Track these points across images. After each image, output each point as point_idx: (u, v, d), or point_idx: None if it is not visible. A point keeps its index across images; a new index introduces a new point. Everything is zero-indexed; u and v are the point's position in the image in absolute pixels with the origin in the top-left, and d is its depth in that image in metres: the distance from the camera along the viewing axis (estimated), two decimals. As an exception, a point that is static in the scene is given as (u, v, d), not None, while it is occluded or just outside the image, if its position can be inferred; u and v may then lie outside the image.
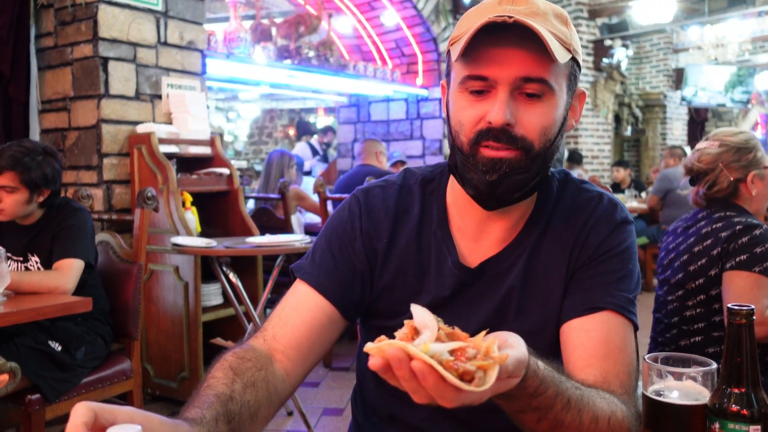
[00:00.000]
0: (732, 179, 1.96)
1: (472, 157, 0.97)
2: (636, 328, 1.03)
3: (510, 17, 0.90)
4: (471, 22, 0.95)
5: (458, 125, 0.99)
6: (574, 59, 0.98)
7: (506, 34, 0.92)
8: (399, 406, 1.11)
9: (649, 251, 6.52)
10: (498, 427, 1.01)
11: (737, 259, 1.82)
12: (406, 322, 0.71)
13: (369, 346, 0.68)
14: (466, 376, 0.63)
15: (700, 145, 2.06)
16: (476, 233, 1.07)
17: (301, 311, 1.05)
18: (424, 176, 1.14)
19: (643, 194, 7.34)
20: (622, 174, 7.96)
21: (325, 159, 7.82)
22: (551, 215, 1.07)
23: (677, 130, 10.66)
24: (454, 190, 1.09)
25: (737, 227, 1.86)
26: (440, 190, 1.12)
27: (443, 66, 5.93)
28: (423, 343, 0.65)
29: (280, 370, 0.99)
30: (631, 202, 6.92)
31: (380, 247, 1.09)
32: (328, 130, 8.30)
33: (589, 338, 0.98)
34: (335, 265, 1.08)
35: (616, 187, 7.80)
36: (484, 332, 0.71)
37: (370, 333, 1.13)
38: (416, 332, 0.69)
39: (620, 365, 0.97)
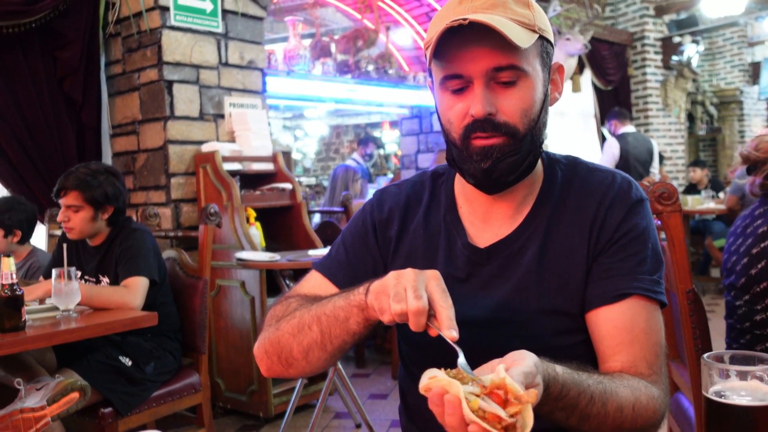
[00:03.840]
0: None
1: (465, 149, 1.04)
2: (663, 305, 1.07)
3: (465, 19, 0.94)
4: (437, 25, 1.01)
5: (448, 123, 1.05)
6: (543, 37, 1.03)
7: (470, 32, 0.97)
8: None
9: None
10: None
11: None
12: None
13: (424, 383, 0.76)
14: (510, 428, 0.72)
15: (761, 131, 1.93)
16: (484, 216, 1.13)
17: (316, 292, 1.16)
18: (435, 171, 1.24)
19: (721, 194, 7.03)
20: (699, 174, 7.63)
21: (366, 173, 7.42)
22: (562, 197, 1.11)
23: (756, 127, 10.18)
24: (460, 179, 1.15)
25: None
26: (449, 180, 1.20)
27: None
28: (473, 399, 0.71)
29: None
30: (708, 203, 6.64)
31: (392, 234, 1.18)
32: (368, 141, 8.02)
33: (616, 327, 1.03)
34: (347, 258, 1.19)
35: (693, 188, 7.49)
36: (498, 363, 0.78)
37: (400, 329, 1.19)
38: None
39: (646, 348, 1.03)
